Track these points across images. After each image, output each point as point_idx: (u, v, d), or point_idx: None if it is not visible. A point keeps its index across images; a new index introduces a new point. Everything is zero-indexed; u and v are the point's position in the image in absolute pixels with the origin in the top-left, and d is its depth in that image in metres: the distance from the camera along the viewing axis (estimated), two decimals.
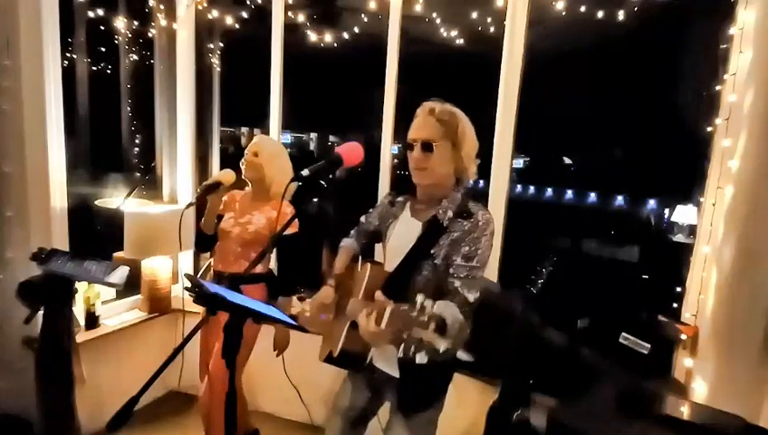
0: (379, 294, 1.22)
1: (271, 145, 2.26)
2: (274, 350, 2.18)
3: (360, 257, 1.72)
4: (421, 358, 1.05)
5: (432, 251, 1.46)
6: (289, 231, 2.10)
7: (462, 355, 1.11)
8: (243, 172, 2.23)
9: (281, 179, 2.21)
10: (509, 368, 1.87)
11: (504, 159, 2.44)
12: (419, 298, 1.10)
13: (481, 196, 2.56)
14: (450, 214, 1.48)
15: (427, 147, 1.46)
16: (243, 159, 2.24)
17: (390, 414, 1.58)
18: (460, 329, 1.36)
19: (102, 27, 3.02)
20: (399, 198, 1.68)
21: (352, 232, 1.82)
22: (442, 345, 1.04)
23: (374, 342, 1.18)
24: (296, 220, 2.13)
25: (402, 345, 1.07)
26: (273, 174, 2.21)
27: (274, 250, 2.33)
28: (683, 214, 5.76)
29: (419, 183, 1.52)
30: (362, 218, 1.81)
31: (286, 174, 2.25)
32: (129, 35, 3.16)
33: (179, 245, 2.16)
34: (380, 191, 2.66)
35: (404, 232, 1.56)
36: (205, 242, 2.28)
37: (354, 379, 1.69)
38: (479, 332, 2.00)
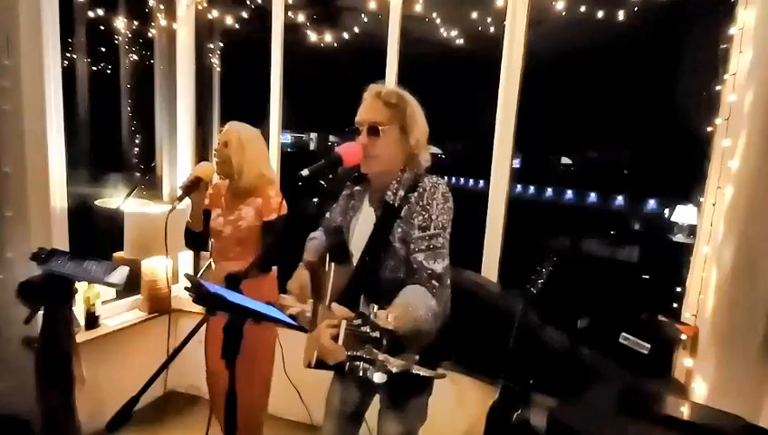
0: (335, 307, 1.16)
1: (241, 133, 2.10)
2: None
3: (328, 255, 1.62)
4: (380, 377, 1.02)
5: (389, 237, 1.41)
6: (274, 215, 2.08)
7: (419, 370, 1.08)
8: (215, 167, 2.11)
9: (250, 169, 2.08)
10: (509, 368, 1.87)
11: (503, 159, 2.44)
12: (373, 309, 1.06)
13: (481, 196, 2.57)
14: (402, 193, 1.42)
15: (373, 131, 1.40)
16: (213, 151, 2.12)
17: (381, 405, 1.58)
18: (433, 315, 1.31)
19: (102, 27, 3.02)
20: (357, 188, 1.60)
21: (320, 227, 1.76)
22: (395, 367, 1.01)
23: (334, 358, 1.11)
24: (284, 202, 2.06)
25: (360, 364, 1.04)
26: (241, 163, 2.07)
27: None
28: (683, 214, 5.76)
29: (366, 172, 1.46)
30: (327, 214, 1.72)
31: (257, 164, 2.11)
32: (129, 35, 3.16)
33: (165, 249, 2.10)
34: None
35: (364, 224, 1.51)
36: (194, 240, 2.21)
37: (342, 378, 1.69)
38: (480, 331, 2.01)
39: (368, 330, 1.03)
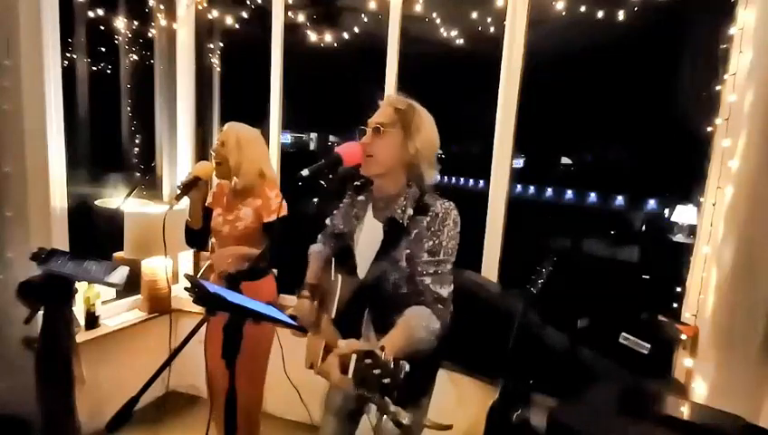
0: (343, 342, 1.15)
1: (240, 133, 2.08)
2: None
3: (333, 261, 1.62)
4: (391, 426, 1.02)
5: (395, 254, 1.41)
6: (274, 217, 2.05)
7: (428, 423, 1.08)
8: (214, 169, 2.10)
9: (249, 168, 2.06)
10: (509, 368, 1.87)
11: (503, 159, 2.44)
12: (384, 355, 1.04)
13: (481, 196, 2.57)
14: (410, 211, 1.42)
15: (376, 131, 1.41)
16: (211, 151, 2.11)
17: None
18: (435, 337, 1.33)
19: (102, 27, 3.02)
20: (360, 197, 1.60)
21: (320, 236, 1.76)
22: (405, 419, 1.01)
23: (342, 387, 1.14)
24: (284, 203, 2.06)
25: (368, 407, 1.04)
26: (240, 163, 2.05)
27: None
28: (683, 214, 5.76)
29: (366, 173, 1.46)
30: (327, 220, 1.72)
31: (257, 163, 2.09)
32: (129, 35, 3.16)
33: (164, 249, 2.10)
34: None
35: (369, 235, 1.51)
36: (194, 238, 2.21)
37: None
38: (480, 331, 2.01)
39: (378, 373, 1.02)
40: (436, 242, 1.38)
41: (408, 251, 1.40)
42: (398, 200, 1.45)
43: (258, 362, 2.18)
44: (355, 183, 1.62)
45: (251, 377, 2.13)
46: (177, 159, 3.17)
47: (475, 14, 2.61)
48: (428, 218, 1.40)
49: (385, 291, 1.44)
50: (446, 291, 1.38)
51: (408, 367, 1.04)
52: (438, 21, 2.73)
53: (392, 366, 1.02)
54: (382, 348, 1.07)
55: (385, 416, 1.01)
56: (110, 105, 3.53)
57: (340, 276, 1.51)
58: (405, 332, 1.27)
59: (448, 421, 1.85)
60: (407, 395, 1.52)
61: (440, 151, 1.55)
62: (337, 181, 1.41)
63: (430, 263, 1.37)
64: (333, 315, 1.49)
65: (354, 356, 1.07)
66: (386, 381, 1.01)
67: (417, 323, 1.30)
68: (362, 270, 1.49)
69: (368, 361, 1.03)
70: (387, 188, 1.48)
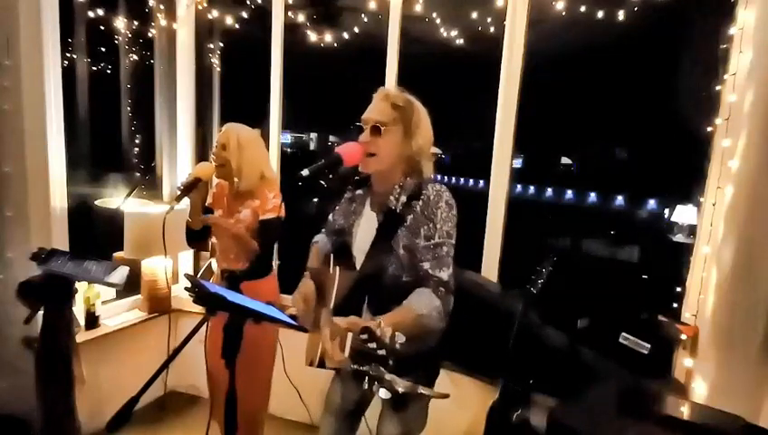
0: (339, 320, 1.17)
1: (240, 134, 2.07)
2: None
3: (333, 257, 1.62)
4: (385, 394, 1.03)
5: (392, 243, 1.41)
6: (270, 214, 2.07)
7: (423, 390, 1.09)
8: (214, 170, 2.09)
9: (249, 171, 2.07)
10: (509, 368, 1.87)
11: (504, 159, 2.44)
12: (380, 329, 1.05)
13: (481, 196, 2.57)
14: (404, 199, 1.42)
15: (376, 130, 1.40)
16: (211, 154, 2.11)
17: (382, 405, 1.58)
18: (439, 315, 1.34)
19: (102, 27, 3.02)
20: (359, 192, 1.60)
21: (323, 230, 1.76)
22: (402, 387, 1.02)
23: (339, 365, 1.16)
24: (281, 204, 2.07)
25: (366, 379, 1.05)
26: (240, 165, 2.05)
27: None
28: (683, 214, 5.75)
29: (365, 170, 1.45)
30: (330, 216, 1.73)
31: (258, 165, 2.09)
32: (129, 35, 3.16)
33: (164, 250, 2.11)
34: None
35: (366, 228, 1.51)
36: (194, 239, 2.20)
37: (343, 376, 1.69)
38: (480, 331, 2.01)
39: (374, 347, 1.03)
40: (431, 226, 1.39)
41: (406, 240, 1.41)
42: (393, 190, 1.45)
43: (260, 367, 2.17)
44: (355, 178, 1.62)
45: (253, 381, 2.12)
46: (177, 159, 3.17)
47: (475, 14, 2.61)
48: (421, 203, 1.41)
49: (383, 281, 1.43)
50: (445, 274, 1.38)
51: (403, 338, 1.05)
52: (438, 21, 2.73)
53: (387, 339, 1.03)
54: (379, 324, 1.08)
55: (382, 389, 1.02)
56: (110, 105, 3.53)
57: (338, 269, 1.51)
58: (404, 308, 1.28)
59: (448, 421, 1.85)
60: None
61: (441, 153, 1.54)
62: (337, 181, 1.41)
63: (427, 248, 1.38)
64: (332, 308, 1.49)
65: (350, 335, 1.09)
66: (381, 352, 1.03)
67: (418, 301, 1.31)
68: (360, 262, 1.49)
69: (363, 336, 1.04)
70: (385, 181, 1.48)
